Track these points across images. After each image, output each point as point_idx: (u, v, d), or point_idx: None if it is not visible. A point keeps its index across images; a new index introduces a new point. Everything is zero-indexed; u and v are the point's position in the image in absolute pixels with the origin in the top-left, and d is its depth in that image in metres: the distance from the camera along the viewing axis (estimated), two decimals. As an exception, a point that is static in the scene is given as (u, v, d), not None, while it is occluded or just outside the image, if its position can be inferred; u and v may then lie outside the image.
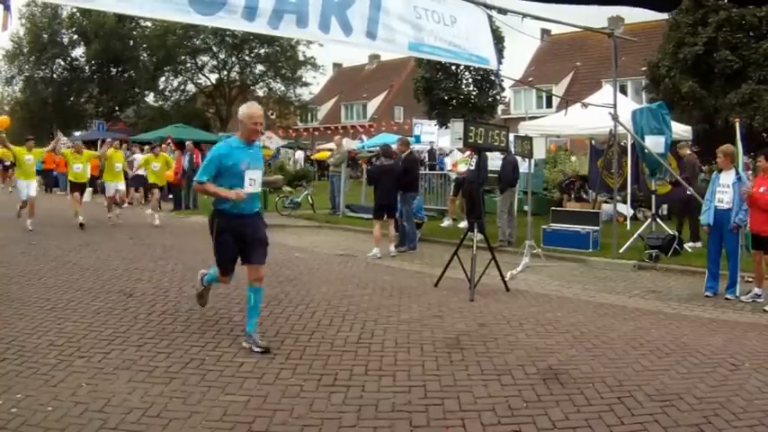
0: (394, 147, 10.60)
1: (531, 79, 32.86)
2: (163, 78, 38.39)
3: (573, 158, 16.26)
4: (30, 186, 11.68)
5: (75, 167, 12.30)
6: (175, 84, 39.29)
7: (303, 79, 39.71)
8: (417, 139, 27.37)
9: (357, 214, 14.20)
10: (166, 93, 39.06)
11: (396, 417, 3.64)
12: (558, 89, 33.06)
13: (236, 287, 6.83)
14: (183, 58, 37.53)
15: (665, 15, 19.47)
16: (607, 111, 9.60)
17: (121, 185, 13.26)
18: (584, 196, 13.90)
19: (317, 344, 4.95)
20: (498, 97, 30.71)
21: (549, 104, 33.38)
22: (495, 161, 11.61)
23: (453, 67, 27.11)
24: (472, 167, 10.13)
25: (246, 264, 4.86)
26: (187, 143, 16.76)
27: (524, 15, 7.98)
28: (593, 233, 9.97)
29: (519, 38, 39.57)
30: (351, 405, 3.79)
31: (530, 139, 9.65)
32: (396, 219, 10.11)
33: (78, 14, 34.10)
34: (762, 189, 6.61)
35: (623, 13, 33.53)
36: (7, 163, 19.59)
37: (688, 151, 10.91)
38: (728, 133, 11.52)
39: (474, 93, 29.27)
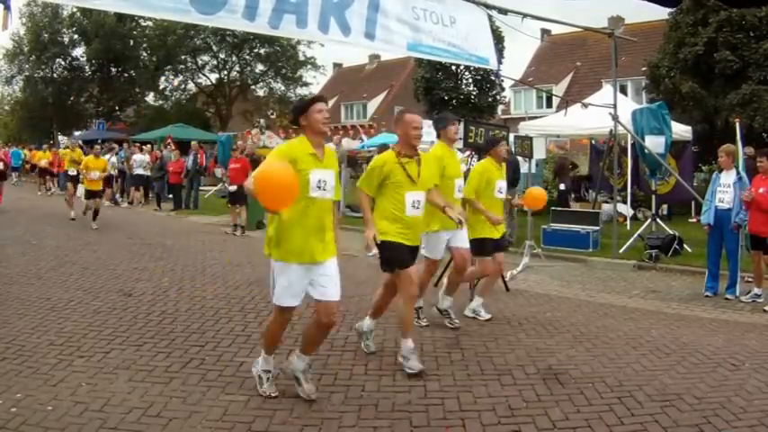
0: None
1: (531, 79, 32.82)
2: (163, 78, 38.40)
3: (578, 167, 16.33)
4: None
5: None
6: (176, 83, 39.35)
7: (303, 79, 39.78)
8: (417, 139, 27.41)
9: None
10: (166, 92, 39.08)
11: (396, 417, 3.64)
12: (558, 89, 32.98)
13: (236, 287, 6.86)
14: (183, 57, 37.50)
15: (665, 15, 19.46)
16: (607, 111, 9.61)
17: None
18: (584, 196, 13.91)
19: (316, 344, 4.94)
20: (498, 97, 30.70)
21: (549, 104, 33.31)
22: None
23: (453, 67, 27.09)
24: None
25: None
26: (193, 143, 16.95)
27: (524, 15, 7.97)
28: (593, 233, 9.97)
29: (519, 38, 39.59)
30: (351, 405, 3.79)
31: (530, 139, 9.66)
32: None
33: (79, 14, 34.04)
34: (761, 190, 6.61)
35: (624, 12, 33.60)
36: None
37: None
38: (728, 133, 11.53)
39: (474, 93, 29.25)
